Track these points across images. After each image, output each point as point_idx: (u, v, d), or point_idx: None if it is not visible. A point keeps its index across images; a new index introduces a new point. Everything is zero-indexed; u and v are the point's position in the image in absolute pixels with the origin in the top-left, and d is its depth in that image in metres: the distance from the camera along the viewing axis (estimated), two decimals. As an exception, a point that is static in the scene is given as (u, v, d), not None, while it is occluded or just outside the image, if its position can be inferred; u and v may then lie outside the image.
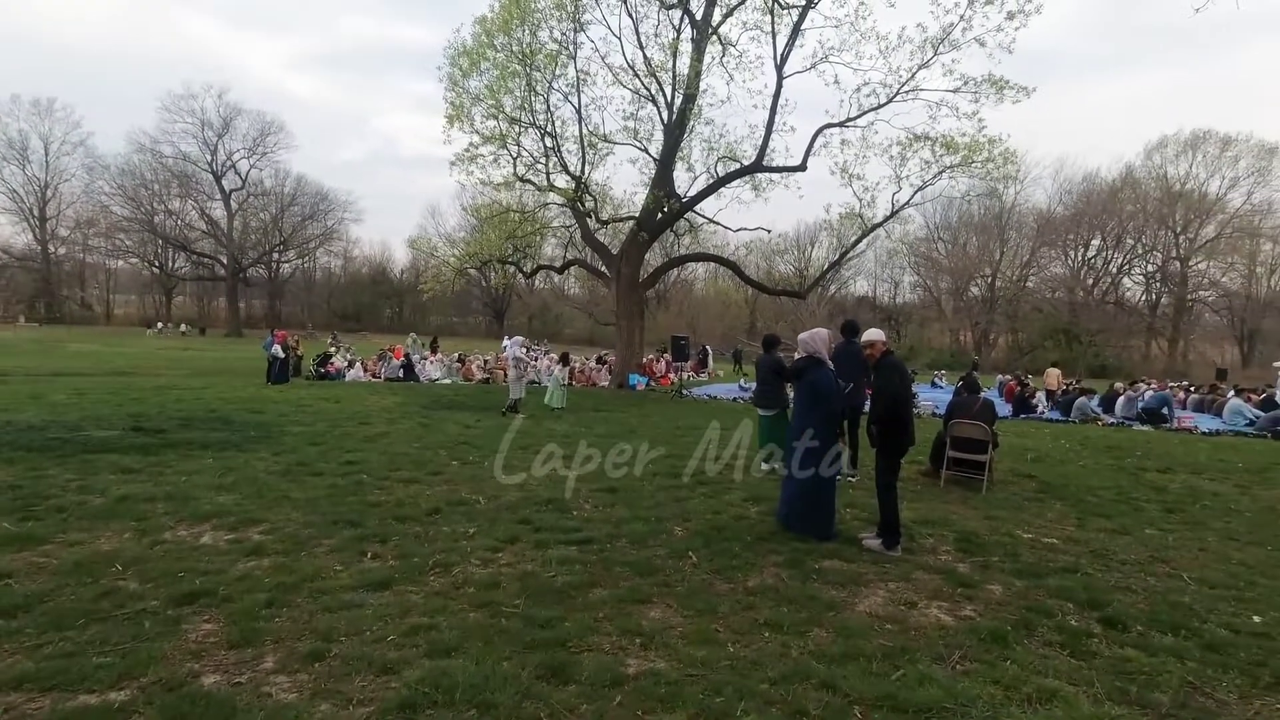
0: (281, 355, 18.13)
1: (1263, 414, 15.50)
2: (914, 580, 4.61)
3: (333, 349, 23.01)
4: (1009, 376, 23.78)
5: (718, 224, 22.66)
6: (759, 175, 20.29)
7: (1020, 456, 9.99)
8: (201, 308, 65.01)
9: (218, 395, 14.09)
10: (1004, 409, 17.23)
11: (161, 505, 5.58)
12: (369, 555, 4.60)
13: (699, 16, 18.73)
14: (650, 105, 19.96)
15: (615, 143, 20.64)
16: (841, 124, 18.49)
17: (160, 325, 54.49)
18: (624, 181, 50.76)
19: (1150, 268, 46.78)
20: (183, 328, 54.00)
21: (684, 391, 18.99)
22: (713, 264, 40.69)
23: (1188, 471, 9.31)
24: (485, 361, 23.99)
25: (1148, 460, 10.14)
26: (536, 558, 4.71)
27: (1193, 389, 21.83)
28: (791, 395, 9.24)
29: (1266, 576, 4.96)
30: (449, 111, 19.26)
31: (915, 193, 18.74)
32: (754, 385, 19.41)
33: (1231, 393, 17.66)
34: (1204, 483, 8.56)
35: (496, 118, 19.45)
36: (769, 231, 23.24)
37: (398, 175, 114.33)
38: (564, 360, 17.09)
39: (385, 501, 6.00)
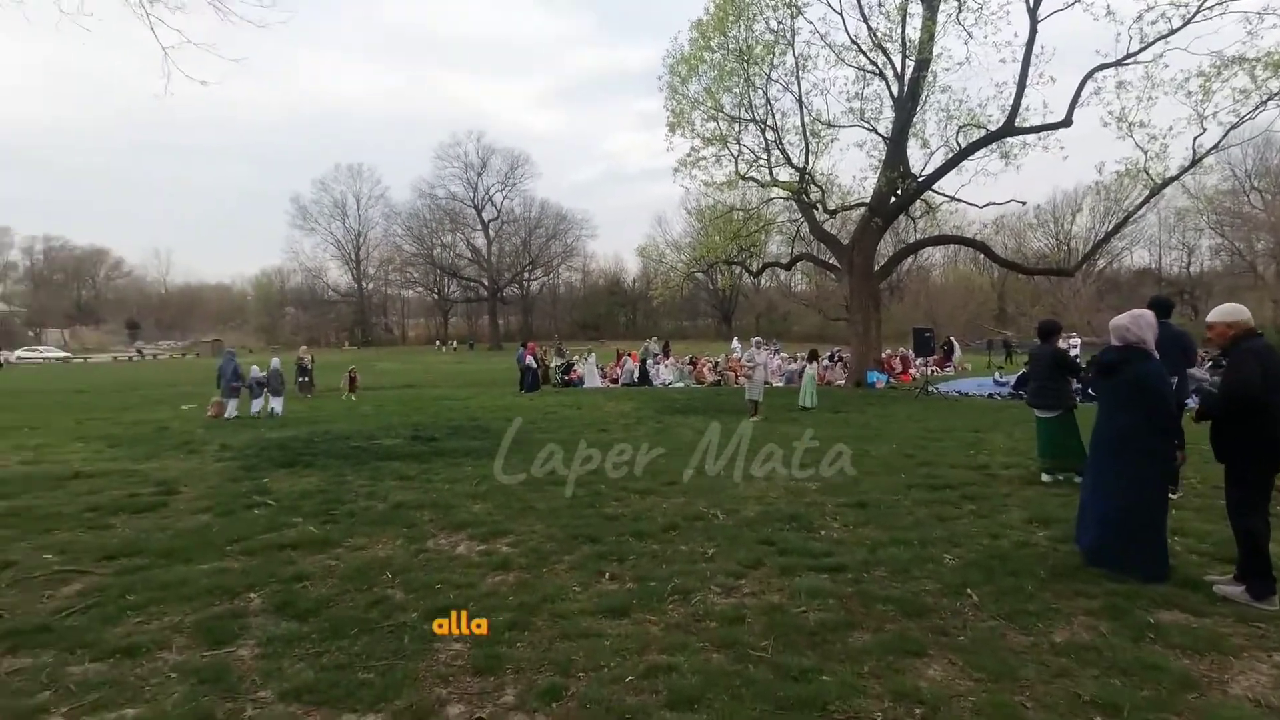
0: (534, 366, 19.77)
1: None
2: (1314, 651, 3.30)
3: (567, 359, 24.78)
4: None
5: (960, 201, 19.80)
6: (1009, 140, 17.63)
7: None
8: (470, 325, 75.92)
9: (480, 404, 15.67)
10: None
11: (428, 513, 6.05)
12: (606, 575, 4.45)
13: (932, -30, 16.82)
14: (877, 81, 18.48)
15: (840, 126, 19.45)
16: (1118, 62, 15.36)
17: (439, 343, 64.41)
18: (850, 168, 48.51)
19: None
20: (453, 344, 63.00)
21: (929, 388, 17.13)
22: (953, 247, 36.68)
23: None
24: (716, 364, 23.97)
25: None
26: (783, 587, 4.20)
27: None
28: (1076, 391, 7.72)
29: None
30: (670, 119, 19.60)
31: (1227, 131, 14.93)
32: (1011, 379, 17.05)
33: None
34: None
35: (716, 119, 19.37)
36: (1024, 204, 20.19)
37: (626, 190, 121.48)
38: (812, 357, 16.48)
39: (622, 515, 5.90)
